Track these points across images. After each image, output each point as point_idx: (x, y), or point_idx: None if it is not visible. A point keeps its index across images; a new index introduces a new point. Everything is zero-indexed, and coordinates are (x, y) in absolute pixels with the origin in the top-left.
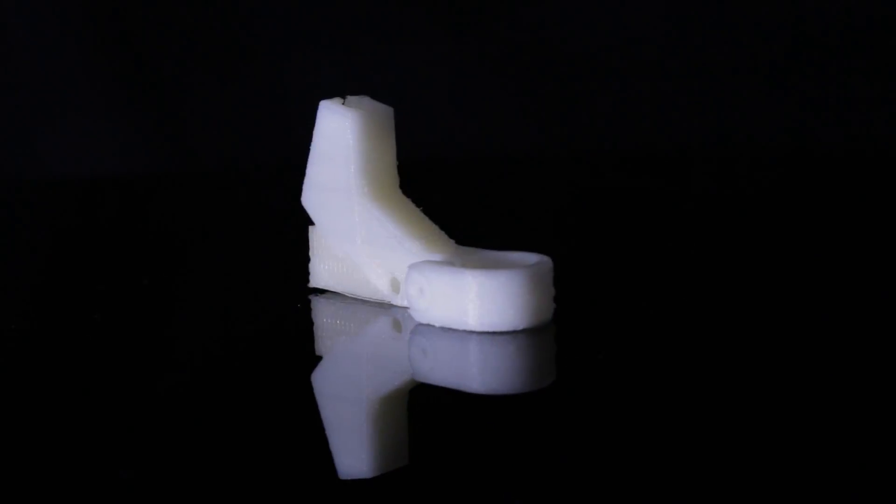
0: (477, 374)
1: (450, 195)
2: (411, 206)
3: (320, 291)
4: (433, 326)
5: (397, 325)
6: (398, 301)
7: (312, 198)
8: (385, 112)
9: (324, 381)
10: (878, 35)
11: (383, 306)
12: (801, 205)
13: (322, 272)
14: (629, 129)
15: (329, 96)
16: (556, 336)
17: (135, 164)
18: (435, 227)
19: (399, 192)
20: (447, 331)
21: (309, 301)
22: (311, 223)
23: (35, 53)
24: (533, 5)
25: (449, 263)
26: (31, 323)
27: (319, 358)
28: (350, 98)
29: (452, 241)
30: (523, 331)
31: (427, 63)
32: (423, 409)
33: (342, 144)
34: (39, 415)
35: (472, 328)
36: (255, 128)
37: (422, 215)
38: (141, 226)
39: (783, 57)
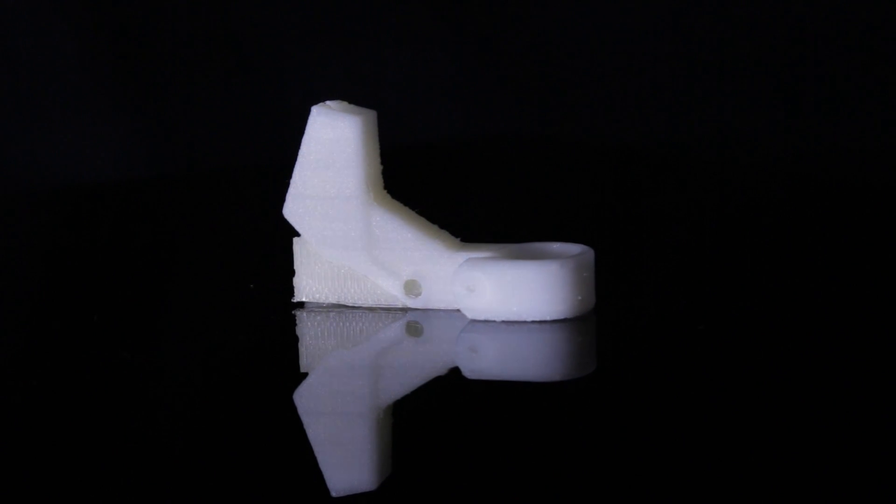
0: (535, 366)
1: (438, 192)
2: (406, 207)
3: (300, 305)
4: (474, 323)
5: (415, 329)
6: (413, 303)
7: (300, 208)
8: (372, 116)
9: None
10: (873, 40)
11: (390, 312)
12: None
13: (311, 285)
14: (627, 124)
15: (328, 97)
16: (597, 323)
17: (129, 168)
18: (436, 227)
19: (388, 194)
20: (492, 325)
21: (297, 315)
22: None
23: (29, 57)
24: (532, 4)
25: (495, 258)
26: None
27: (349, 369)
28: (328, 103)
29: (458, 239)
30: (570, 319)
31: (425, 62)
32: (485, 405)
33: (343, 150)
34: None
35: (536, 318)
36: (252, 130)
37: (419, 216)
38: (132, 231)
39: (779, 55)
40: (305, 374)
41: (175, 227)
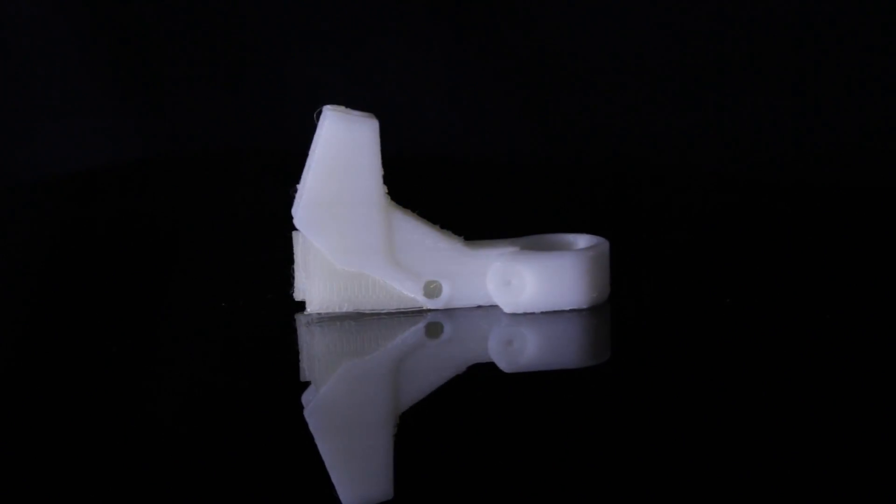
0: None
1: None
2: (408, 209)
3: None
4: (496, 317)
5: (435, 329)
6: (433, 304)
7: (315, 217)
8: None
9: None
10: (874, 51)
11: (408, 315)
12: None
13: (325, 294)
14: (628, 135)
15: (327, 91)
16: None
17: (127, 155)
18: (439, 227)
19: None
20: (524, 318)
21: (310, 320)
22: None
23: (26, 47)
24: (536, 8)
25: (529, 251)
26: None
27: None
28: (328, 108)
29: (462, 238)
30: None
31: (426, 64)
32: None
33: (361, 156)
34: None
35: (575, 306)
36: (252, 117)
37: (422, 217)
38: (127, 221)
39: (783, 64)
40: (329, 379)
41: (172, 220)
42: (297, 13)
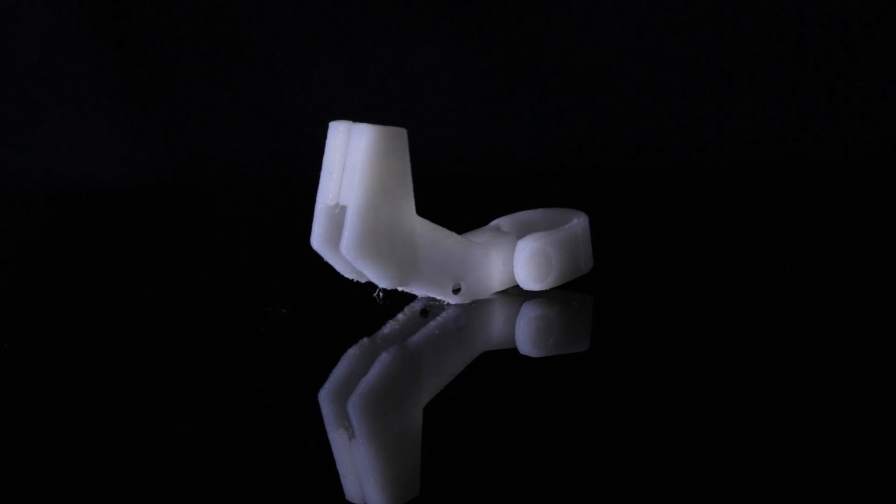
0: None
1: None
2: None
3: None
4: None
5: (458, 320)
6: (455, 300)
7: (367, 241)
8: None
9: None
10: (875, 45)
11: (426, 311)
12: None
13: None
14: (631, 140)
15: (332, 102)
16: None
17: (132, 173)
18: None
19: None
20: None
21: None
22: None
23: (32, 59)
24: (540, 12)
25: (548, 232)
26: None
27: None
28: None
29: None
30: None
31: (429, 68)
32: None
33: (400, 166)
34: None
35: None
36: (257, 136)
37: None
38: (133, 238)
39: (785, 65)
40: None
41: (189, 230)
42: (305, 26)
